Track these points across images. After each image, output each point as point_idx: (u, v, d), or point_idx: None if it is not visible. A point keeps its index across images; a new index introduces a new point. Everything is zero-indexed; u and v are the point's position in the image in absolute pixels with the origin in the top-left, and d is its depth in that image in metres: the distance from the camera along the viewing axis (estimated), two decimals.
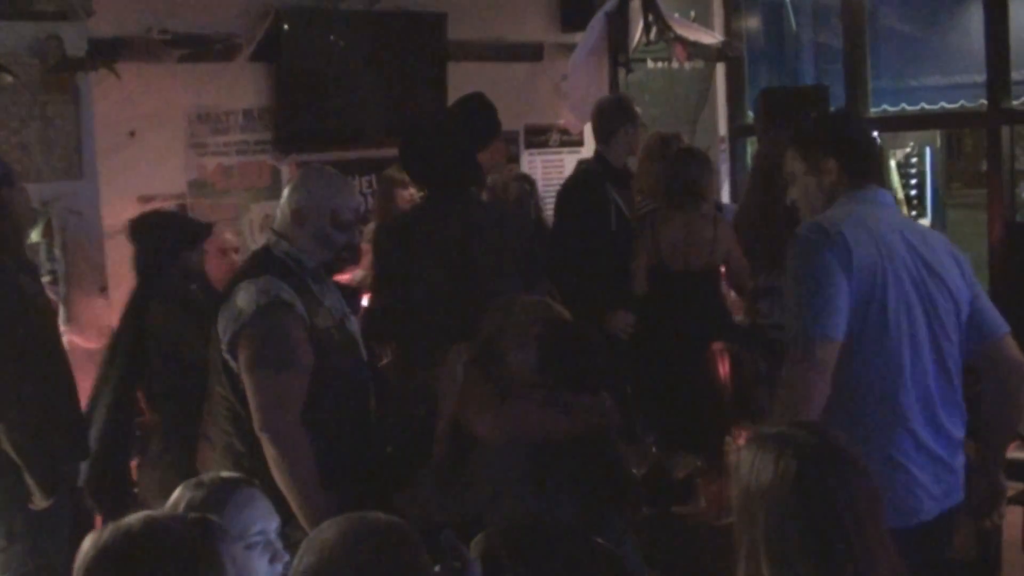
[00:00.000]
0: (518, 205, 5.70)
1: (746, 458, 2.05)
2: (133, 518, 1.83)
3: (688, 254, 5.28)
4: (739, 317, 5.41)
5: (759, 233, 5.23)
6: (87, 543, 1.82)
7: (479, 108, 4.48)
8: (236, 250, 5.68)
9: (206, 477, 2.43)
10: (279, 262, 3.28)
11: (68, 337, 4.79)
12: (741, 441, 3.92)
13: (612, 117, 5.49)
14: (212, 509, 2.18)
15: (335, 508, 2.99)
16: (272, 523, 2.36)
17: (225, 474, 2.48)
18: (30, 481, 3.62)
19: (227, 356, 3.19)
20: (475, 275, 3.97)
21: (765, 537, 1.98)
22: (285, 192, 3.42)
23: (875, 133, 8.31)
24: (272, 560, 2.30)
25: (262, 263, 3.30)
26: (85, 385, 4.66)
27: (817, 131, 3.18)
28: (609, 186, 5.36)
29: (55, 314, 4.00)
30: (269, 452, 3.06)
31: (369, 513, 1.94)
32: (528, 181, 5.94)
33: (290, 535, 2.85)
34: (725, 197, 8.29)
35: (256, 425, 3.10)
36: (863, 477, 2.03)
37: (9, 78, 4.66)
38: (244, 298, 3.17)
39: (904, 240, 2.98)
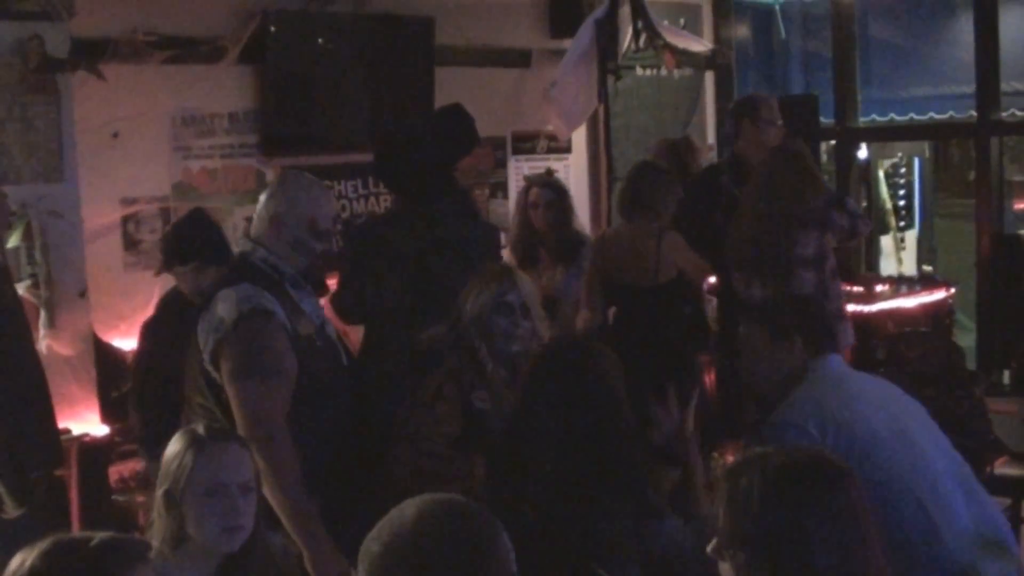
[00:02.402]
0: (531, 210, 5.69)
1: (731, 485, 2.01)
2: (39, 546, 1.82)
3: (633, 269, 5.26)
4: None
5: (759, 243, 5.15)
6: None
7: (458, 120, 4.44)
8: None
9: (195, 426, 2.63)
10: (256, 269, 3.24)
11: (47, 342, 4.73)
12: (728, 456, 3.88)
13: (734, 114, 5.81)
14: (187, 455, 2.49)
15: (323, 514, 2.97)
16: (237, 478, 2.52)
17: (213, 426, 2.68)
18: (1, 490, 3.55)
19: (209, 367, 3.13)
20: (432, 291, 3.93)
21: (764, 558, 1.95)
22: (262, 198, 3.37)
23: (863, 144, 8.31)
24: (228, 511, 2.49)
25: (239, 271, 3.25)
26: (63, 391, 4.62)
27: (782, 310, 3.41)
28: (727, 179, 5.51)
29: (27, 319, 3.91)
30: (257, 462, 3.01)
31: (452, 496, 1.88)
32: (556, 190, 5.85)
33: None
34: None
35: (242, 435, 3.05)
36: (850, 489, 2.01)
37: None
38: (224, 307, 3.12)
39: (873, 394, 3.22)
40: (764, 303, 3.67)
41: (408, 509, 1.79)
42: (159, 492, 2.51)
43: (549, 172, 6.85)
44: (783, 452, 2.05)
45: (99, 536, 1.85)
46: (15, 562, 1.82)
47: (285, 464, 3.05)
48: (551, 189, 5.79)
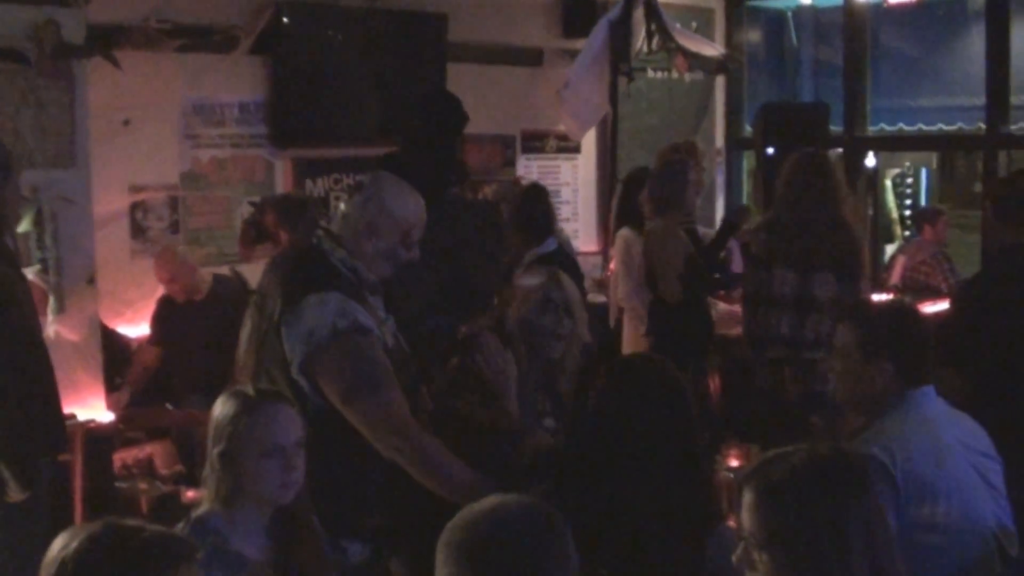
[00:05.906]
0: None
1: (760, 486, 2.00)
2: (90, 528, 1.83)
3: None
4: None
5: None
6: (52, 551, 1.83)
7: (442, 101, 4.41)
8: (195, 269, 5.63)
9: (242, 388, 2.68)
10: (337, 272, 3.13)
11: (55, 328, 4.74)
12: (731, 460, 3.89)
13: None
14: (242, 419, 2.56)
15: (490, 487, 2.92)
16: (291, 438, 2.61)
17: (260, 387, 2.73)
18: (6, 473, 3.56)
19: (298, 377, 3.03)
20: (465, 285, 3.92)
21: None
22: (355, 200, 3.18)
23: (871, 153, 8.31)
24: (285, 469, 2.59)
25: (321, 272, 3.12)
26: (70, 377, 4.63)
27: (881, 326, 2.94)
28: None
29: (34, 305, 3.91)
30: (411, 469, 3.01)
31: (514, 495, 1.92)
32: (535, 197, 5.77)
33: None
34: (720, 208, 8.29)
35: (383, 451, 3.03)
36: (873, 490, 2.02)
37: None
38: (316, 317, 3.00)
39: (957, 441, 2.86)
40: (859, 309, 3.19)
41: (486, 505, 1.85)
42: (214, 452, 2.59)
43: (515, 181, 6.81)
44: (805, 450, 2.03)
45: (151, 529, 1.86)
46: (60, 541, 1.82)
47: (438, 458, 3.01)
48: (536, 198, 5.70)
